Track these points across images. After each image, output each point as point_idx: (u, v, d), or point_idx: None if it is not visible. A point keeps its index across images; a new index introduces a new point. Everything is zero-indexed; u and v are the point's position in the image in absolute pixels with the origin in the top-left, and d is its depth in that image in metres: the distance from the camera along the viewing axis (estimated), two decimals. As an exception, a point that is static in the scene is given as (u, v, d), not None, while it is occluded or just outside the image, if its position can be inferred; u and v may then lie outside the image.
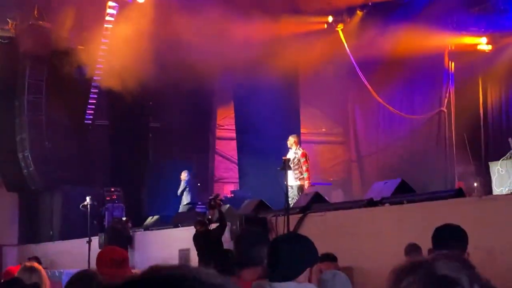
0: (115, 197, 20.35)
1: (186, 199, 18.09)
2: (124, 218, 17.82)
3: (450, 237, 4.53)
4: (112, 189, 20.46)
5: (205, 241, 12.25)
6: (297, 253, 3.82)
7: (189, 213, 17.49)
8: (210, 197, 13.91)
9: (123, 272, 4.53)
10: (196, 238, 12.68)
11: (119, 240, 16.42)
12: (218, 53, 18.25)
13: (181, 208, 17.97)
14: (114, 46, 20.31)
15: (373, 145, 21.56)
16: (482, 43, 21.14)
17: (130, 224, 17.32)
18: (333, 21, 21.33)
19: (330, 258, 8.19)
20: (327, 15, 21.13)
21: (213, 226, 12.91)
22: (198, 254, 12.47)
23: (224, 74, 19.21)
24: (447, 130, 20.95)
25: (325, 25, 21.43)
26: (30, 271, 5.67)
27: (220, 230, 12.44)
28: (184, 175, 18.42)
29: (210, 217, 13.27)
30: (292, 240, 4.16)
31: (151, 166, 21.88)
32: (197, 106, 21.44)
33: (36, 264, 6.19)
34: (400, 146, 19.99)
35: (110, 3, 20.03)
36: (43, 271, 5.93)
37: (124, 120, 21.70)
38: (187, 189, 18.03)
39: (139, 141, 22.27)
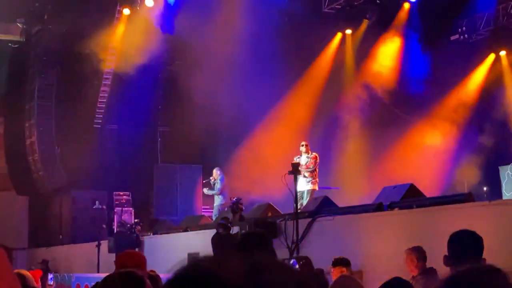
0: (124, 201, 20.41)
1: (218, 198, 17.45)
2: (135, 221, 17.76)
3: (466, 243, 4.51)
4: (121, 193, 20.51)
5: (225, 245, 12.11)
6: None
7: (196, 218, 17.50)
8: (233, 201, 13.91)
9: None
10: (216, 241, 12.53)
11: (126, 244, 16.43)
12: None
13: (217, 208, 17.30)
14: (123, 50, 20.43)
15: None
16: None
17: (139, 227, 17.32)
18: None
19: (343, 262, 8.20)
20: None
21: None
22: None
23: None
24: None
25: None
26: None
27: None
28: (217, 173, 17.95)
29: (231, 220, 13.22)
30: None
31: (160, 170, 21.93)
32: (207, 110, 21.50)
33: (22, 271, 6.34)
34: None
35: (123, 10, 20.17)
36: (27, 275, 6.07)
37: (133, 124, 21.76)
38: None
39: (148, 145, 22.32)
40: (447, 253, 4.50)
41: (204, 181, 18.17)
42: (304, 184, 14.71)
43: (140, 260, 4.69)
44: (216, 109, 19.98)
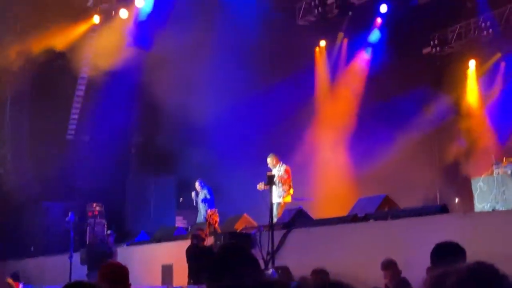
0: (97, 212, 20.19)
1: (204, 210, 17.31)
2: (108, 232, 17.68)
3: (449, 255, 4.52)
4: (94, 205, 20.32)
5: (199, 256, 12.09)
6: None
7: (169, 229, 17.41)
8: (207, 213, 13.90)
9: None
10: (190, 252, 12.49)
11: (99, 256, 16.31)
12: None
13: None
14: (97, 60, 20.36)
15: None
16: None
17: (112, 239, 17.20)
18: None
19: (323, 273, 8.22)
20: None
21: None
22: (190, 268, 12.28)
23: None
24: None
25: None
26: None
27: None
28: (199, 186, 17.62)
29: (206, 232, 13.21)
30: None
31: (134, 181, 21.79)
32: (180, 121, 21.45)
33: (8, 280, 6.29)
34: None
35: (96, 17, 20.11)
36: (12, 284, 6.02)
37: (106, 135, 21.62)
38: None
39: (122, 156, 22.18)
40: (430, 265, 4.51)
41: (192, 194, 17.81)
42: (275, 197, 14.75)
43: (123, 272, 4.68)
44: (190, 120, 19.93)
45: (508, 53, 20.57)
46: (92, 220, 19.65)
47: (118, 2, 19.49)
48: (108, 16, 20.04)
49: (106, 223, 19.82)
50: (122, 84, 20.44)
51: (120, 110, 21.10)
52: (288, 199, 15.06)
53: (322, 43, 21.90)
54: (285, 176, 15.01)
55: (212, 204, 17.06)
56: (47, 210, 21.28)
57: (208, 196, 17.31)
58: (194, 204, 17.68)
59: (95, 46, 20.60)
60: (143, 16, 19.81)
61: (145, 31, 19.82)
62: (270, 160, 15.15)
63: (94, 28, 20.51)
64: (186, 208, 18.61)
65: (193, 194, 17.60)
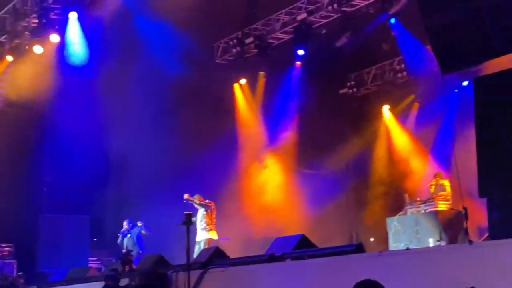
0: (6, 253, 19.62)
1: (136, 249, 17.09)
2: (18, 274, 17.12)
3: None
4: (3, 245, 19.72)
5: None
6: None
7: (83, 270, 17.00)
8: (123, 253, 13.76)
9: None
10: None
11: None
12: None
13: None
14: (8, 95, 19.92)
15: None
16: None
17: (22, 281, 16.64)
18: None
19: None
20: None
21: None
22: None
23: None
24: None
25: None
26: None
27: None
28: (128, 225, 17.45)
29: (121, 272, 13.00)
30: None
31: (46, 220, 21.15)
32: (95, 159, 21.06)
33: None
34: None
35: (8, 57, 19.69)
36: None
37: (17, 172, 20.96)
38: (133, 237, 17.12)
39: (33, 195, 21.51)
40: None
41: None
42: (200, 233, 14.95)
43: None
44: (104, 158, 19.61)
45: (421, 95, 21.08)
46: (1, 261, 19.03)
47: (32, 38, 19.05)
48: (22, 52, 19.59)
49: (16, 264, 19.20)
50: (33, 119, 19.96)
51: (31, 147, 20.57)
52: (211, 234, 15.11)
53: (242, 81, 21.97)
54: (207, 210, 15.17)
55: (142, 245, 16.99)
56: (-48, 252, 20.38)
57: (144, 232, 17.17)
58: (119, 243, 17.43)
59: (8, 81, 20.14)
60: (66, 50, 19.47)
61: (66, 65, 19.47)
62: (197, 199, 15.24)
63: (9, 65, 20.07)
64: (99, 248, 18.17)
65: (120, 235, 17.41)
